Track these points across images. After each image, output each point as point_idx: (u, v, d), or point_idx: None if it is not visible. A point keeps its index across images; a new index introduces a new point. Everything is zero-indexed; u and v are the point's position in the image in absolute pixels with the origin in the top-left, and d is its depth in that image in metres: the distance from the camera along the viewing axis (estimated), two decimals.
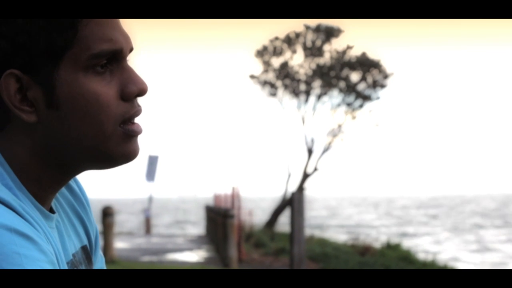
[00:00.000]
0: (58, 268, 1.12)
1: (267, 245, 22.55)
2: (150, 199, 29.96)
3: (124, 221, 63.95)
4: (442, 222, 66.44)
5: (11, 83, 1.14)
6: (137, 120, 1.22)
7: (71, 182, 1.36)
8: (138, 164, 27.96)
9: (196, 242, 24.70)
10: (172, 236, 28.90)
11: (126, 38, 1.21)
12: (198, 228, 45.75)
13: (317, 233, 30.41)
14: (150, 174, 28.75)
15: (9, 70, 1.14)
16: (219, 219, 19.12)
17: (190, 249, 21.45)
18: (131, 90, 1.19)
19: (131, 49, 1.22)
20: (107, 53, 1.17)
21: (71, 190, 1.35)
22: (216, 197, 27.86)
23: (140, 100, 1.23)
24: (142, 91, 1.20)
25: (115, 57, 1.18)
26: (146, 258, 18.03)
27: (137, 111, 1.21)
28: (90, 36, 1.15)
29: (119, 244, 21.11)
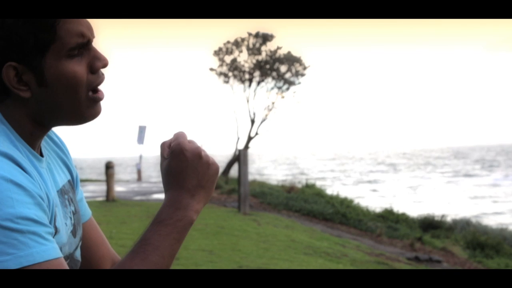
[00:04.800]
0: (43, 206, 1.09)
1: (223, 186, 22.57)
2: (140, 157, 29.58)
3: (122, 172, 63.15)
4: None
5: (10, 71, 1.13)
6: (101, 87, 1.21)
7: (54, 137, 1.35)
8: (131, 132, 27.71)
9: None
10: (157, 182, 28.64)
11: (90, 29, 1.18)
12: None
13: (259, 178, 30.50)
14: (140, 139, 28.24)
15: (8, 62, 1.12)
16: None
17: None
18: (97, 65, 1.18)
19: (93, 36, 1.19)
20: (80, 45, 1.16)
21: (54, 143, 1.34)
22: None
23: (104, 71, 1.21)
24: (105, 65, 1.19)
25: (84, 45, 1.18)
26: (138, 198, 17.93)
27: (101, 79, 1.20)
28: (66, 34, 1.14)
29: (118, 188, 20.87)
